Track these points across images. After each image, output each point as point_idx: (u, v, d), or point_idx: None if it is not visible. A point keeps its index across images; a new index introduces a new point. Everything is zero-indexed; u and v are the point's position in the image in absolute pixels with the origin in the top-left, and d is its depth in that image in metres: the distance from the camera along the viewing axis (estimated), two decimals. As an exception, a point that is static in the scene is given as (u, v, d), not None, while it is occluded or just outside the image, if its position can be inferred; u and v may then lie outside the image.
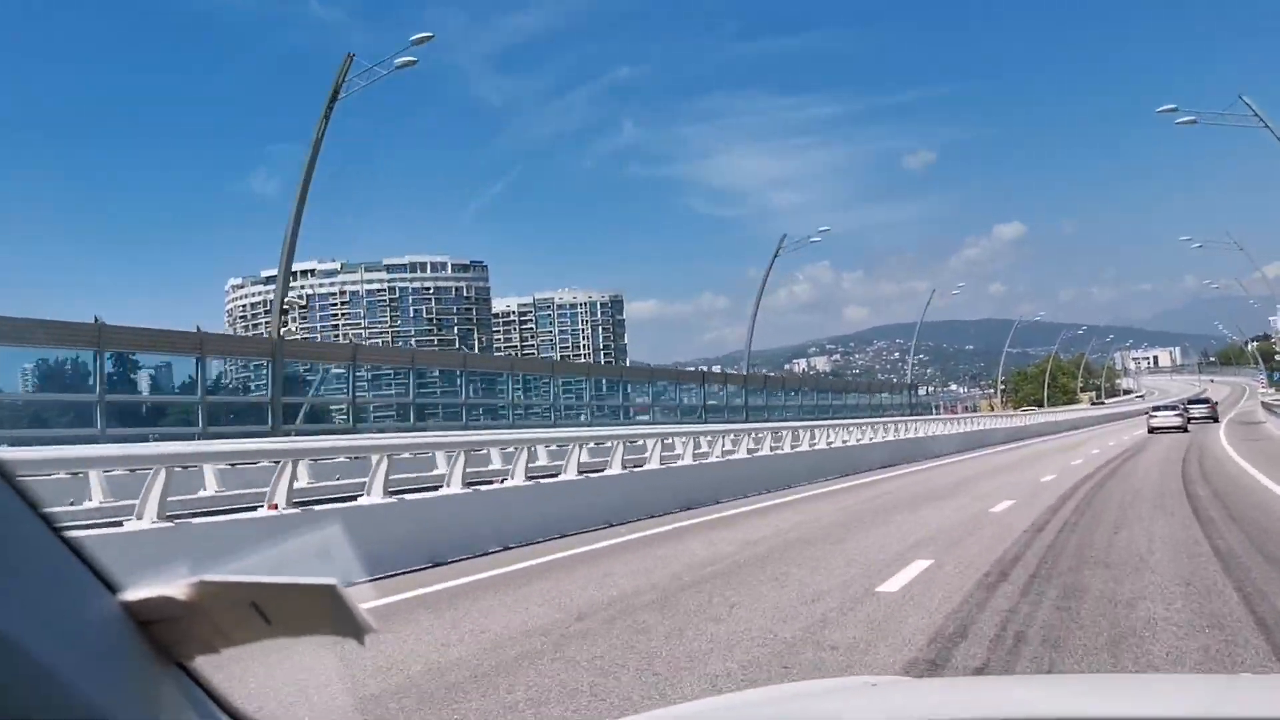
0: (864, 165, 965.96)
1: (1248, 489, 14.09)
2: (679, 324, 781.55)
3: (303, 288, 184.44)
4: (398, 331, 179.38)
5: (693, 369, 60.28)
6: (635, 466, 14.21)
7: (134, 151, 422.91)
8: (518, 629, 6.05)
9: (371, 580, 7.61)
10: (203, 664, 0.74)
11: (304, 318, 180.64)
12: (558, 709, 4.34)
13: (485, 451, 15.30)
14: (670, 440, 16.68)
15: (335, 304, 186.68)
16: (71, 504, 10.56)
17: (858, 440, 24.90)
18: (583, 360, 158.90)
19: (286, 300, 23.80)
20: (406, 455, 12.03)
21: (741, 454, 18.12)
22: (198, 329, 20.86)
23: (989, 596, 6.49)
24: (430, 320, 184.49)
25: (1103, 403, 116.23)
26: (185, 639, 0.71)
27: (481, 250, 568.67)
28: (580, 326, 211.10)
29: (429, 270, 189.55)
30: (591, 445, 18.13)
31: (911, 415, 43.38)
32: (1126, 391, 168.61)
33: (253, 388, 27.62)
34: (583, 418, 32.21)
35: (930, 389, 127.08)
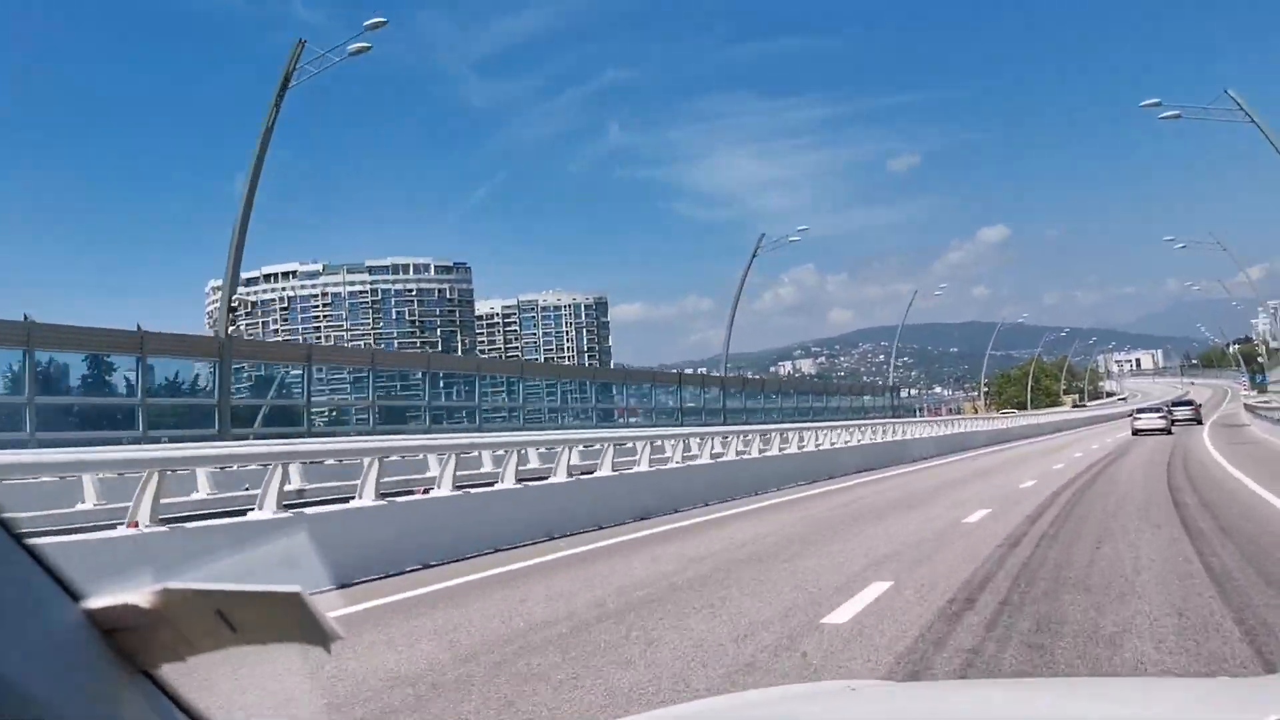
0: (849, 169, 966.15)
1: (1237, 496, 13.30)
2: (664, 327, 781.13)
3: (285, 289, 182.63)
4: (380, 333, 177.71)
5: (675, 370, 59.56)
6: (585, 474, 13.19)
7: (119, 152, 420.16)
8: (386, 675, 5.04)
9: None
10: (168, 672, 0.71)
11: (285, 319, 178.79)
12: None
13: (422, 457, 14.20)
14: (630, 444, 15.69)
15: (317, 306, 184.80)
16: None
17: (833, 444, 23.99)
18: (567, 363, 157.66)
19: (236, 298, 22.69)
20: (332, 462, 11.02)
21: (705, 459, 17.17)
22: (138, 328, 20.04)
23: (950, 630, 5.56)
24: (413, 322, 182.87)
25: (1085, 405, 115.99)
26: (150, 647, 0.70)
27: (468, 253, 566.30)
28: (565, 329, 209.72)
29: (411, 272, 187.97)
30: (542, 450, 17.01)
31: (894, 418, 42.76)
32: (1109, 394, 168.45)
33: (231, 390, 26.39)
34: (554, 420, 31.19)
35: (914, 391, 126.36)
